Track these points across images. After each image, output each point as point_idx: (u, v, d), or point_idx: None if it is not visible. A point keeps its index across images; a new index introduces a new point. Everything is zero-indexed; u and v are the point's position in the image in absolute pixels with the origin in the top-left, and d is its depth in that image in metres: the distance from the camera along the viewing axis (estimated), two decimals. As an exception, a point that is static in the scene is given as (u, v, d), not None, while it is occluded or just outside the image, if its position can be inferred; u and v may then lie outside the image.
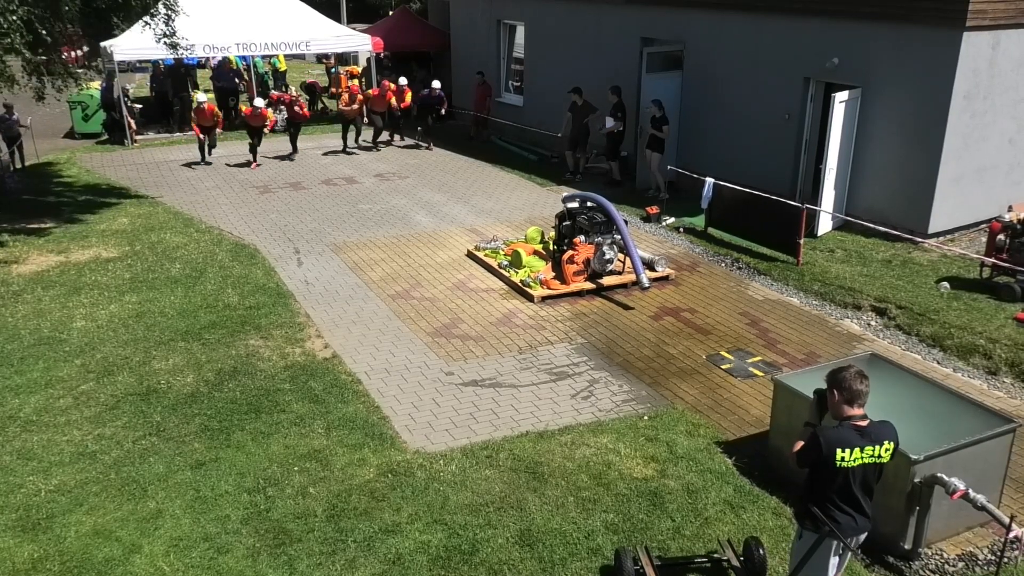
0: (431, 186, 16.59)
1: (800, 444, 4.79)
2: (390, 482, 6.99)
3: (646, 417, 8.08)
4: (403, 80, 20.49)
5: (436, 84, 20.02)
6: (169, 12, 14.96)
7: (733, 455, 7.45)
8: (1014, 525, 5.47)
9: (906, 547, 6.16)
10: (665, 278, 11.61)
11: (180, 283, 11.29)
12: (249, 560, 6.10)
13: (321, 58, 31.98)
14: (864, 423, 4.67)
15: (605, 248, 11.28)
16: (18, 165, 17.83)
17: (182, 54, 16.67)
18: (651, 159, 15.45)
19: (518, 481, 7.00)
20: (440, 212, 14.85)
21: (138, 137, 20.50)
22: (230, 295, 10.88)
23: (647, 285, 10.91)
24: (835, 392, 4.69)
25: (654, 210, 14.35)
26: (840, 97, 12.47)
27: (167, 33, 14.95)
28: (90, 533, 6.38)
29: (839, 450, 4.56)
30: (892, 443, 4.70)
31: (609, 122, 15.86)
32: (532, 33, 19.95)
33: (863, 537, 4.93)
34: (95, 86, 20.67)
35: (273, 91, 23.14)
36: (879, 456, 4.66)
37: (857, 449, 4.59)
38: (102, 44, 20.05)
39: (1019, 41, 12.22)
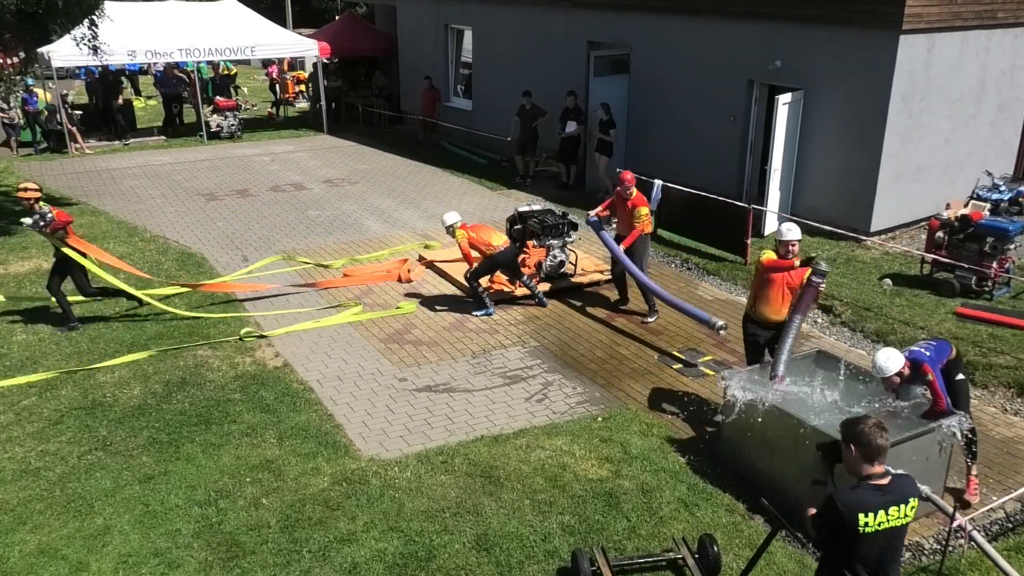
0: (381, 191, 16.49)
1: (813, 511, 4.30)
2: (345, 490, 6.92)
3: (600, 418, 8.13)
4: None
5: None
6: (93, 19, 14.59)
7: (686, 454, 7.54)
8: (958, 515, 5.60)
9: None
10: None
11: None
12: (202, 574, 5.99)
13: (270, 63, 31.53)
14: (885, 481, 4.14)
15: (556, 251, 11.33)
16: None
17: (105, 60, 16.31)
18: (599, 162, 15.58)
19: (474, 486, 6.99)
20: (391, 217, 14.77)
21: (80, 145, 19.97)
22: (177, 304, 10.67)
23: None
24: (852, 447, 4.16)
25: (604, 213, 14.41)
26: (783, 99, 12.71)
27: (89, 37, 14.56)
28: (35, 552, 6.20)
29: (861, 515, 4.04)
30: (916, 499, 4.21)
31: (571, 127, 15.96)
32: (480, 37, 19.96)
33: None
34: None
35: (218, 98, 22.75)
36: (905, 516, 4.15)
37: (882, 512, 4.06)
38: (39, 50, 19.54)
39: (952, 43, 12.57)
